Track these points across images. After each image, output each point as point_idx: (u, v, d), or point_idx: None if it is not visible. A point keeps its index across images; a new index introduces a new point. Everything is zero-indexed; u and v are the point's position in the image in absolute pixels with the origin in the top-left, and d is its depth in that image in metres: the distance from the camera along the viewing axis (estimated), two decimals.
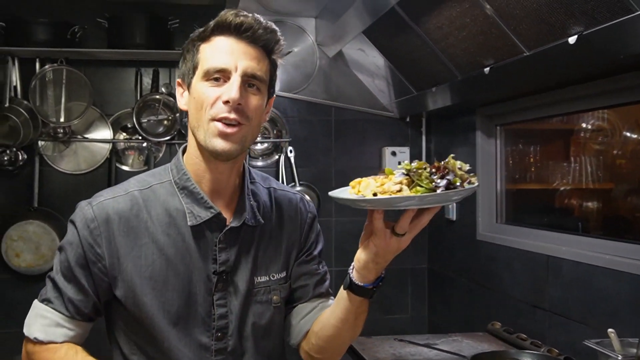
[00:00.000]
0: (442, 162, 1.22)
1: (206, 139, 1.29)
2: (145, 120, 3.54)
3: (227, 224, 1.37)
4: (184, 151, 1.42)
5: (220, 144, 1.28)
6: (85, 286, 1.33)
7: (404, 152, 3.82)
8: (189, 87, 1.35)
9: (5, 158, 3.37)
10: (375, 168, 3.85)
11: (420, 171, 1.21)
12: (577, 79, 2.35)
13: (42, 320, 1.35)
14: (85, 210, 1.34)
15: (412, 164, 1.24)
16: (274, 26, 1.34)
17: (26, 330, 1.37)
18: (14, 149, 3.38)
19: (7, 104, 3.32)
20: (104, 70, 3.58)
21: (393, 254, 1.28)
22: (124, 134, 3.62)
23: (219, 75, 1.28)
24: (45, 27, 3.32)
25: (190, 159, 1.38)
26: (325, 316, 1.46)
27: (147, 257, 1.34)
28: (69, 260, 1.34)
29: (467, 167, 1.24)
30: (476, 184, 1.23)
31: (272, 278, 1.44)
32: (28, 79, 3.37)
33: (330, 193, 1.33)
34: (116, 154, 3.60)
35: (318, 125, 3.84)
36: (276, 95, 3.65)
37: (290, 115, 3.80)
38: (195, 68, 1.32)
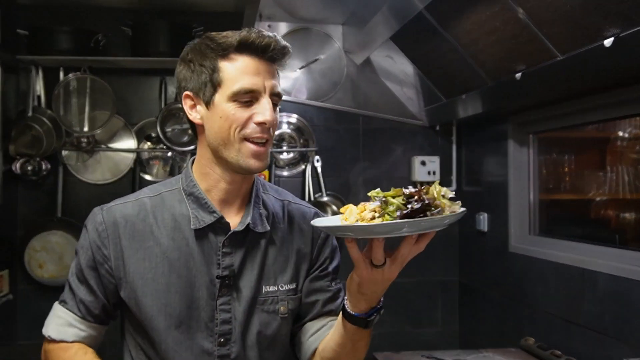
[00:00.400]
0: (422, 187, 1.16)
1: (239, 159, 1.32)
2: (170, 129, 3.51)
3: (232, 229, 1.39)
4: (193, 162, 1.45)
5: (255, 164, 1.32)
6: (95, 288, 1.39)
7: (433, 161, 3.73)
8: (207, 103, 1.34)
9: (29, 168, 3.36)
10: (404, 178, 3.77)
11: (392, 199, 1.15)
12: (613, 84, 2.25)
13: (57, 320, 1.42)
14: (96, 214, 1.41)
15: (390, 191, 1.17)
16: (286, 42, 1.35)
17: (44, 329, 1.43)
18: (38, 159, 3.36)
19: (30, 114, 3.30)
20: (127, 78, 3.56)
21: (380, 285, 1.23)
22: (149, 143, 3.59)
23: (250, 98, 1.31)
24: (68, 36, 3.29)
25: (202, 169, 1.40)
26: (327, 338, 1.44)
27: (151, 260, 1.37)
28: (81, 263, 1.40)
29: (450, 194, 1.17)
30: (459, 211, 1.16)
31: (280, 288, 1.43)
32: (51, 88, 3.35)
33: (313, 222, 1.30)
34: (140, 164, 3.57)
35: (345, 134, 3.77)
36: (303, 104, 3.64)
37: (317, 124, 3.73)
38: (216, 85, 1.32)
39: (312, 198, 3.63)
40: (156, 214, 1.40)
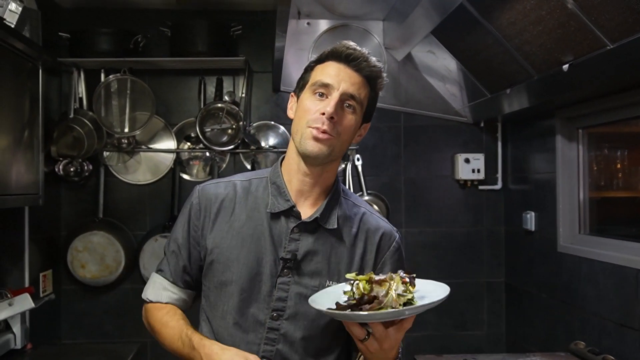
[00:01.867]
0: (383, 277, 1.32)
1: (301, 141, 1.50)
2: (209, 130, 3.50)
3: (303, 218, 1.56)
4: (283, 159, 1.65)
5: (311, 145, 1.48)
6: (185, 257, 1.62)
7: (478, 158, 3.63)
8: (298, 99, 1.58)
9: (71, 169, 3.39)
10: (447, 176, 3.70)
11: (349, 286, 1.36)
12: None
13: (154, 285, 1.66)
14: (194, 191, 1.66)
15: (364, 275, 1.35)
16: (379, 64, 1.55)
17: (143, 294, 1.68)
18: (79, 160, 3.39)
19: (72, 115, 3.34)
20: (167, 79, 3.57)
21: (376, 354, 1.38)
22: (188, 143, 3.58)
23: (324, 91, 1.50)
24: (108, 38, 3.32)
25: (287, 161, 1.61)
26: None
27: (228, 232, 1.57)
28: (177, 234, 1.64)
29: (405, 295, 1.32)
30: (400, 308, 1.30)
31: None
32: (93, 90, 3.39)
33: (310, 299, 1.43)
34: (180, 164, 3.57)
35: (387, 132, 3.70)
36: None
37: None
38: (306, 84, 1.56)
39: None
40: (242, 195, 1.61)
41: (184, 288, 1.64)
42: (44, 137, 2.88)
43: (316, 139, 1.47)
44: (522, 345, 3.40)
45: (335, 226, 1.56)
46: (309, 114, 1.49)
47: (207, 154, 3.58)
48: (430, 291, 1.36)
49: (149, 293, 1.67)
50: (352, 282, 1.34)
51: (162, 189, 3.54)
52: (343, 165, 3.62)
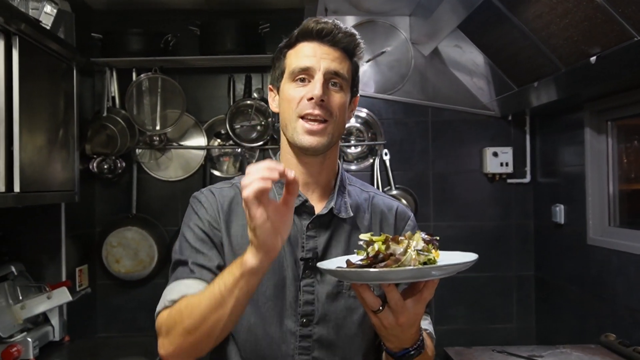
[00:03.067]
0: (397, 236, 1.15)
1: (294, 136, 1.39)
2: (239, 126, 3.55)
3: (316, 212, 1.43)
4: (279, 155, 1.54)
5: (307, 140, 1.38)
6: (209, 250, 1.40)
7: (506, 152, 3.62)
8: (278, 90, 1.47)
9: (105, 167, 3.48)
10: (476, 170, 3.70)
11: (365, 245, 1.18)
12: None
13: (173, 290, 1.35)
14: (201, 193, 1.48)
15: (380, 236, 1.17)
16: (353, 30, 1.44)
17: (160, 304, 1.36)
18: (113, 158, 3.47)
19: (105, 114, 3.42)
20: (197, 77, 3.62)
21: (391, 330, 1.20)
22: (218, 140, 3.63)
23: (304, 75, 1.39)
24: (139, 38, 3.39)
25: (284, 156, 1.49)
26: None
27: (243, 237, 1.39)
28: (194, 231, 1.42)
29: (421, 243, 1.16)
30: (433, 259, 1.16)
31: None
32: (125, 89, 3.46)
33: (319, 264, 1.26)
34: (211, 161, 3.63)
35: (414, 127, 3.71)
36: (371, 97, 3.59)
37: (385, 117, 3.69)
38: (283, 72, 1.44)
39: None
40: None
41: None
42: (79, 136, 2.97)
43: (310, 132, 1.37)
44: (553, 338, 3.39)
45: (351, 214, 1.46)
46: (295, 102, 1.38)
47: (237, 150, 3.63)
48: (457, 260, 1.19)
49: (170, 295, 1.35)
50: (366, 242, 1.18)
51: (193, 185, 3.59)
52: (371, 160, 3.65)
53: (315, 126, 1.37)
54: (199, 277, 1.35)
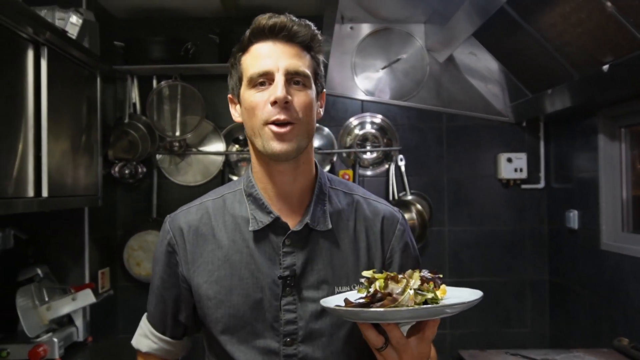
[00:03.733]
0: (402, 275, 1.15)
1: (264, 144, 1.28)
2: None
3: (292, 228, 1.35)
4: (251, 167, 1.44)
5: (277, 146, 1.27)
6: (167, 298, 1.41)
7: (520, 158, 3.66)
8: (239, 99, 1.37)
9: (126, 171, 3.56)
10: (490, 176, 3.74)
11: (365, 284, 1.19)
12: None
13: (139, 330, 1.49)
14: (164, 224, 1.44)
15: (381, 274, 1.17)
16: (307, 22, 1.33)
17: (135, 338, 1.51)
18: (134, 163, 3.55)
19: (126, 120, 3.51)
20: (216, 84, 3.69)
21: None
22: (236, 146, 3.70)
23: (264, 79, 1.29)
24: (160, 46, 3.46)
25: (255, 167, 1.39)
26: None
27: (214, 263, 1.36)
28: (156, 274, 1.43)
29: (430, 293, 1.14)
30: (439, 297, 1.15)
31: (353, 289, 1.33)
32: (146, 96, 3.54)
33: (322, 301, 1.24)
34: (229, 166, 3.70)
35: (429, 133, 3.76)
36: (386, 104, 3.64)
37: (401, 123, 3.74)
38: (240, 79, 1.34)
39: (396, 197, 3.65)
40: (217, 216, 1.39)
41: (165, 336, 1.44)
42: (102, 141, 3.05)
43: (278, 136, 1.27)
44: (566, 342, 3.42)
45: (330, 227, 1.36)
46: (259, 109, 1.28)
47: None
48: (462, 297, 1.17)
49: (134, 338, 1.50)
50: (367, 279, 1.19)
51: (211, 189, 3.65)
52: (387, 166, 3.71)
53: (282, 129, 1.26)
54: (150, 323, 1.46)
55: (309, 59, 1.33)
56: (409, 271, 1.16)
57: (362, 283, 1.20)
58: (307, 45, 1.33)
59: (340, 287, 1.34)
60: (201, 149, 3.68)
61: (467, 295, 1.17)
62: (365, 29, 3.72)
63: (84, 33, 2.79)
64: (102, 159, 3.05)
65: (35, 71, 2.32)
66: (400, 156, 3.68)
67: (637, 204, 3.00)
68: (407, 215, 3.54)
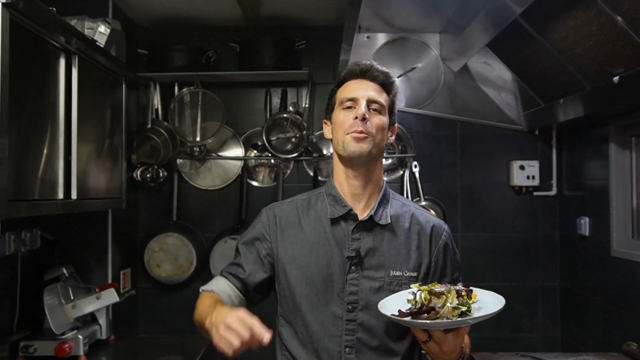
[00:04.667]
0: (442, 289, 1.53)
1: (344, 147, 1.72)
2: (274, 138, 3.71)
3: (360, 218, 1.76)
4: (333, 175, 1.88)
5: (353, 146, 1.70)
6: (249, 258, 1.82)
7: (533, 165, 3.73)
8: (330, 120, 1.83)
9: (148, 175, 3.67)
10: (503, 183, 3.81)
11: (413, 296, 1.58)
12: None
13: (211, 282, 1.84)
14: (263, 212, 1.89)
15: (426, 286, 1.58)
16: (387, 70, 1.80)
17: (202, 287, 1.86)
18: (155, 167, 3.66)
19: (149, 125, 3.62)
20: (235, 91, 3.80)
21: (432, 354, 1.60)
22: (255, 151, 3.80)
23: (351, 104, 1.74)
24: (182, 54, 3.57)
25: (336, 174, 1.83)
26: None
27: (297, 244, 1.78)
28: (248, 236, 1.86)
29: (461, 307, 1.51)
30: (444, 321, 1.49)
31: (405, 274, 1.74)
32: (168, 102, 3.65)
33: (380, 306, 1.63)
34: (247, 171, 3.80)
35: (443, 140, 3.84)
36: (401, 111, 3.72)
37: (415, 131, 3.82)
38: (334, 105, 1.81)
39: None
40: (304, 210, 1.84)
41: (238, 287, 1.80)
42: (126, 146, 3.15)
43: (356, 139, 1.70)
44: (577, 348, 3.47)
45: (389, 221, 1.77)
46: (345, 124, 1.73)
47: (273, 161, 3.79)
48: (488, 302, 1.57)
49: (203, 286, 1.84)
50: (415, 291, 1.57)
51: (230, 194, 3.76)
52: (401, 172, 3.79)
53: (360, 136, 1.70)
54: (228, 280, 1.81)
55: (385, 96, 1.78)
56: (448, 287, 1.53)
57: (410, 293, 1.59)
58: (385, 87, 1.79)
59: (394, 271, 1.74)
60: (220, 154, 3.78)
61: (492, 301, 1.57)
62: (382, 38, 3.80)
63: (111, 42, 2.90)
64: (126, 163, 3.15)
65: (67, 78, 2.43)
66: (415, 163, 3.76)
67: None
68: None
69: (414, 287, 1.59)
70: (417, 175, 3.75)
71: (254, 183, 3.81)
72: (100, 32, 2.77)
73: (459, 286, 1.55)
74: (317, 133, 3.79)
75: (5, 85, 1.92)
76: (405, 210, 1.84)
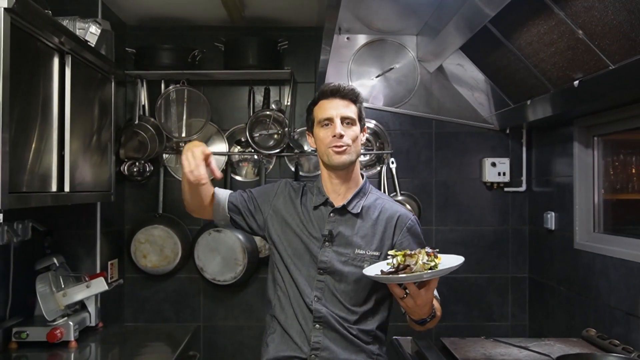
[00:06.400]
0: (412, 252, 1.87)
1: (329, 159, 2.15)
2: (257, 135, 3.85)
3: (335, 206, 2.19)
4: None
5: (337, 159, 2.13)
6: (246, 199, 2.29)
7: (504, 162, 3.90)
8: (312, 133, 2.22)
9: (135, 169, 3.80)
10: (475, 179, 3.98)
11: (391, 259, 1.91)
12: None
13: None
14: (282, 181, 2.35)
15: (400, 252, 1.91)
16: (353, 86, 2.22)
17: None
18: (142, 162, 3.79)
19: (136, 121, 3.75)
20: (220, 89, 3.94)
21: (413, 309, 1.92)
22: (239, 147, 3.93)
23: (328, 122, 2.15)
24: (169, 52, 3.71)
25: (323, 177, 2.26)
26: None
27: (292, 215, 2.24)
28: (258, 189, 2.37)
29: (431, 262, 1.84)
30: (436, 266, 1.85)
31: (367, 252, 2.14)
32: (154, 99, 3.79)
33: (364, 271, 2.02)
34: (231, 166, 3.94)
35: (419, 138, 4.00)
36: (380, 110, 3.87)
37: (393, 129, 3.98)
38: (313, 122, 2.20)
39: None
40: (302, 193, 2.28)
41: (234, 213, 2.27)
42: (114, 141, 3.28)
43: (338, 153, 2.11)
44: (543, 335, 3.65)
45: (359, 211, 2.18)
46: (326, 140, 2.13)
47: (256, 156, 3.93)
48: (451, 262, 1.87)
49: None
50: (392, 255, 1.89)
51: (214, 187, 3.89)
52: (379, 168, 3.95)
53: (340, 149, 2.11)
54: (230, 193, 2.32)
55: (354, 107, 2.17)
56: (419, 249, 1.88)
57: (388, 258, 1.93)
58: (353, 99, 2.17)
59: (359, 250, 2.14)
60: None
61: (454, 260, 1.88)
62: (361, 39, 3.95)
63: (102, 41, 3.02)
64: (114, 157, 3.28)
65: (60, 77, 2.55)
66: (392, 159, 3.92)
67: (607, 207, 3.24)
68: None
69: (391, 253, 1.91)
70: (394, 171, 3.91)
71: (238, 177, 3.95)
72: (91, 32, 2.89)
73: (427, 249, 1.86)
74: (298, 130, 3.93)
75: (6, 85, 2.04)
76: (378, 203, 2.23)
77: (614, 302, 2.88)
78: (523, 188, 3.95)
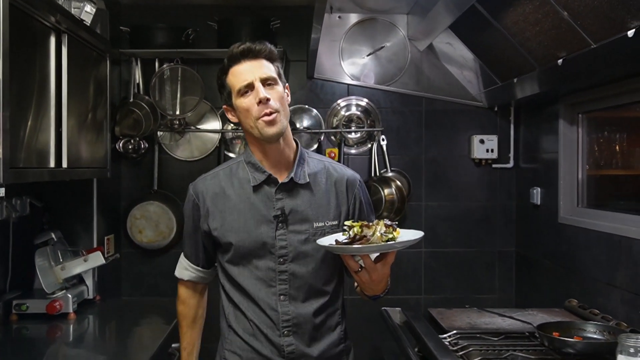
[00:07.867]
0: (371, 224, 1.71)
1: (260, 132, 1.85)
2: None
3: (280, 181, 1.92)
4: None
5: (270, 130, 1.83)
6: (198, 241, 2.03)
7: (492, 139, 3.99)
8: (233, 107, 1.92)
9: (130, 147, 3.87)
10: (464, 156, 4.06)
11: (347, 229, 1.74)
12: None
13: (180, 265, 2.14)
14: (189, 189, 2.03)
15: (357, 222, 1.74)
16: (264, 42, 1.89)
17: (177, 269, 2.15)
18: (137, 139, 3.86)
19: (131, 99, 3.81)
20: (214, 67, 3.92)
21: (368, 284, 1.79)
22: (232, 124, 3.99)
23: (247, 89, 1.84)
24: (163, 31, 3.77)
25: (254, 147, 1.96)
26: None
27: (225, 212, 1.94)
28: (187, 225, 2.05)
29: (387, 227, 1.70)
30: (394, 238, 1.70)
31: (327, 224, 1.94)
32: (149, 77, 3.84)
33: (318, 241, 1.85)
34: (224, 143, 4.00)
35: (410, 116, 4.07)
36: (371, 88, 3.93)
37: (384, 106, 4.05)
38: (230, 93, 1.90)
39: (377, 174, 3.97)
40: (227, 180, 1.97)
41: (199, 267, 2.08)
42: (110, 119, 3.34)
43: (269, 123, 1.82)
44: (528, 306, 3.76)
45: (307, 180, 1.93)
46: (251, 110, 1.83)
47: None
48: (410, 236, 1.71)
49: (176, 271, 2.14)
50: (349, 226, 1.72)
51: (208, 164, 3.94)
52: (370, 145, 4.02)
53: (270, 117, 1.82)
54: (187, 259, 2.10)
55: (271, 66, 1.89)
56: (377, 220, 1.72)
57: (344, 229, 1.75)
58: (268, 56, 1.89)
59: (317, 223, 1.94)
60: (199, 127, 3.99)
61: (413, 235, 1.72)
62: (353, 18, 4.01)
63: (97, 20, 3.07)
64: (110, 134, 3.34)
65: (57, 56, 2.61)
66: (383, 136, 3.99)
67: (591, 182, 3.33)
68: (387, 191, 3.87)
69: (347, 223, 1.73)
70: (384, 148, 3.99)
71: (231, 154, 4.01)
72: (87, 11, 2.93)
73: (386, 221, 1.71)
74: (290, 107, 3.95)
75: (6, 64, 2.10)
76: (321, 167, 2.00)
77: (595, 273, 2.97)
78: (511, 164, 4.04)
